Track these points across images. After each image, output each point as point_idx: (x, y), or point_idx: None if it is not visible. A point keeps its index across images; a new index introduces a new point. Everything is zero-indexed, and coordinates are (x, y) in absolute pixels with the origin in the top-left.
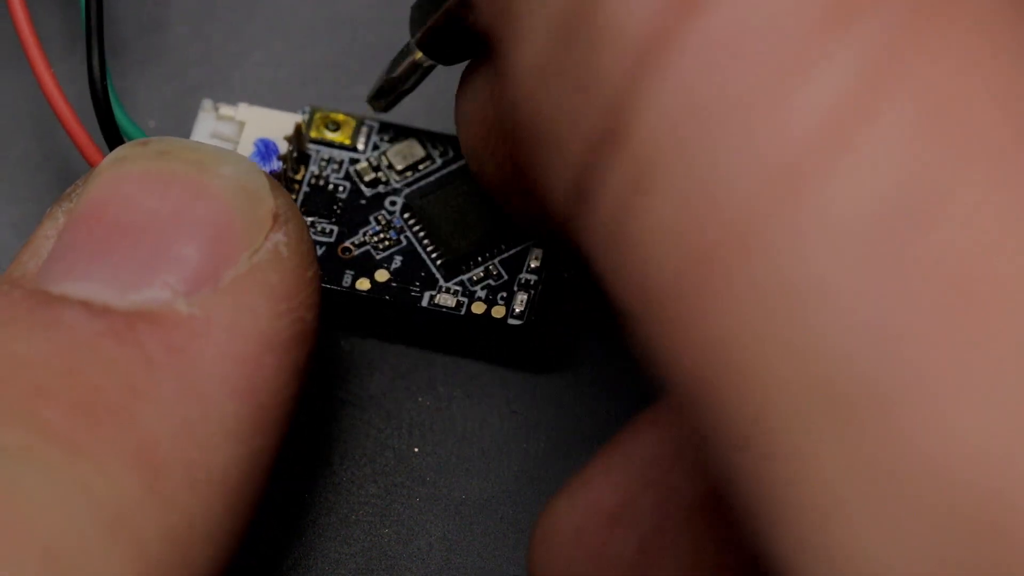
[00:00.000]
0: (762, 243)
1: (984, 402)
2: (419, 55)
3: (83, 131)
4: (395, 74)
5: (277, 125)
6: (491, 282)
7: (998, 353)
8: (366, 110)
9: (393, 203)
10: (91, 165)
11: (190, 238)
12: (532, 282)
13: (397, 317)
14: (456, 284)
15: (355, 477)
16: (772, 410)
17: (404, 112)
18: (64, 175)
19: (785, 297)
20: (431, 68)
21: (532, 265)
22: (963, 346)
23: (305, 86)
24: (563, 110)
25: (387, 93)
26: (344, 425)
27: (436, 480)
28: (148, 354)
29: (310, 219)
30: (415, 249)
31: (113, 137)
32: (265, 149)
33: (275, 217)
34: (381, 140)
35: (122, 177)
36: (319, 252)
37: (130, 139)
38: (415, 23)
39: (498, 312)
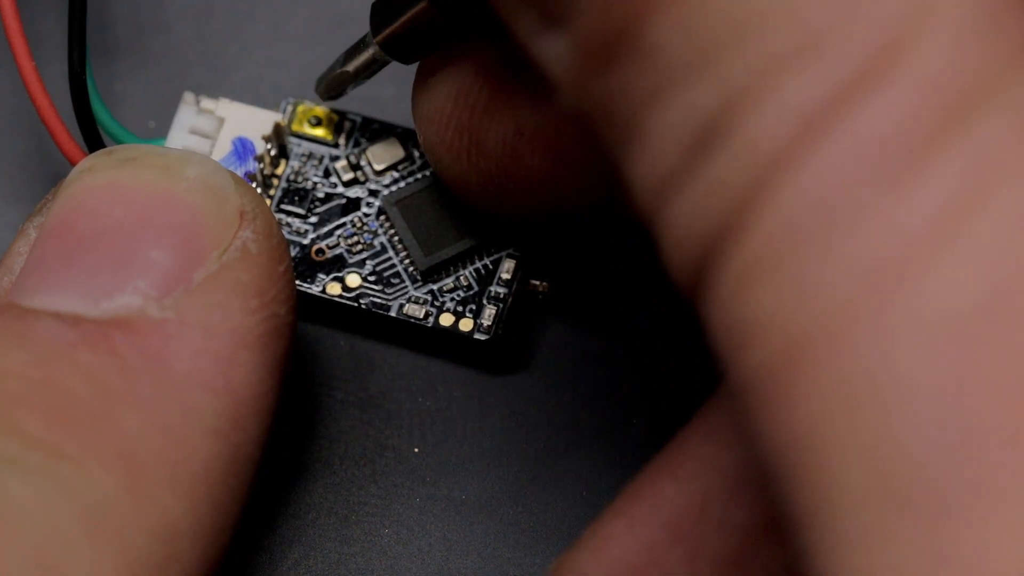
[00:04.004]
0: (850, 339)
1: None
2: (377, 52)
3: (62, 126)
4: (349, 68)
5: (257, 123)
6: (461, 293)
7: None
8: (353, 107)
9: (370, 204)
10: (70, 161)
11: (158, 242)
12: (502, 295)
13: (367, 323)
14: (426, 293)
15: (355, 477)
16: (843, 496)
17: (388, 111)
18: (63, 176)
19: (868, 394)
20: (385, 64)
21: (503, 277)
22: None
23: (304, 86)
24: (686, 210)
25: (338, 85)
26: (344, 425)
27: (436, 480)
28: (123, 359)
29: (286, 218)
30: (388, 254)
31: (90, 130)
32: (242, 148)
33: (242, 215)
34: (362, 138)
35: (88, 188)
36: (293, 252)
37: (109, 133)
38: (376, 21)
39: (465, 325)
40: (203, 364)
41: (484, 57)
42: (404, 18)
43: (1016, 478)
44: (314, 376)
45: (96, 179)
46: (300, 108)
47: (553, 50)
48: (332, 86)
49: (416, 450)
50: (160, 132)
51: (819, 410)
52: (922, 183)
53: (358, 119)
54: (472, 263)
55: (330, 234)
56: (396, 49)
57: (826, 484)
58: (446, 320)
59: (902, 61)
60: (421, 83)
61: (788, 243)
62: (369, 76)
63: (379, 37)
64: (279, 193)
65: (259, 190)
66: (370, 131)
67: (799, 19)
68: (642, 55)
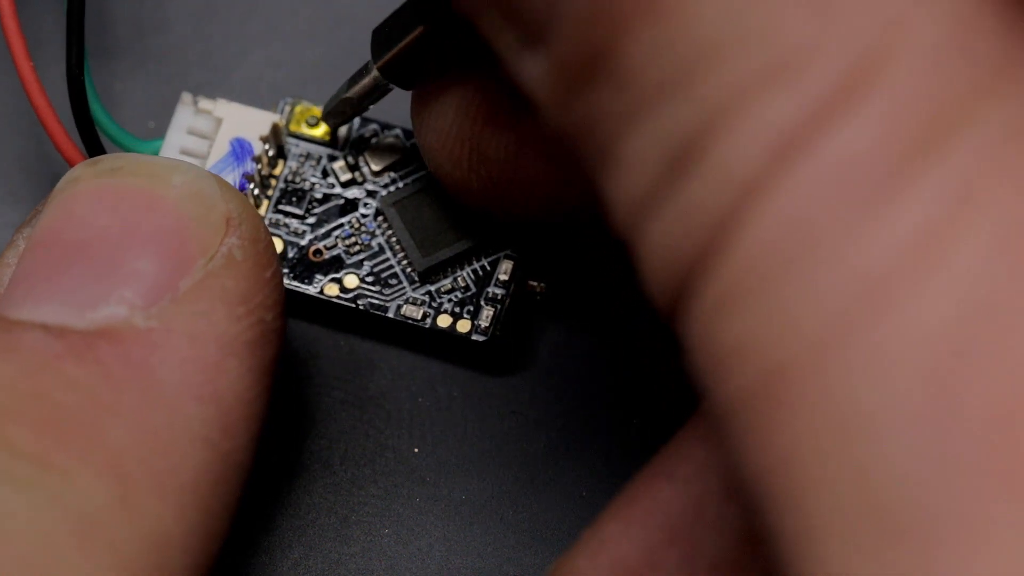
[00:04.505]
0: (827, 369)
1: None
2: (378, 78)
3: (60, 126)
4: (351, 95)
5: (255, 123)
6: (458, 294)
7: None
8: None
9: (367, 205)
10: (68, 162)
11: (144, 251)
12: (499, 296)
13: (365, 324)
14: (424, 294)
15: (355, 477)
16: (825, 521)
17: (385, 111)
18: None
19: (851, 420)
20: (388, 90)
21: (501, 278)
22: (998, 505)
23: (303, 86)
24: (662, 234)
25: (342, 112)
26: (344, 425)
27: (436, 480)
28: (109, 370)
29: (283, 219)
30: (385, 255)
31: (87, 131)
32: (240, 149)
33: (228, 221)
34: (360, 138)
35: (74, 198)
36: (291, 253)
37: (107, 134)
38: (377, 47)
39: (463, 327)
40: (190, 373)
41: (485, 73)
42: (403, 43)
43: (998, 501)
44: (314, 376)
45: (82, 188)
46: (298, 108)
47: (533, 70)
48: (336, 112)
49: (416, 450)
50: (160, 132)
51: (800, 437)
52: (899, 207)
53: (356, 120)
54: (470, 264)
55: (328, 235)
56: (396, 74)
57: (808, 509)
58: (443, 321)
59: (877, 82)
60: (422, 93)
61: (765, 269)
62: (373, 102)
63: (379, 63)
64: (277, 194)
65: (257, 191)
66: (368, 132)
67: (771, 41)
68: (617, 76)
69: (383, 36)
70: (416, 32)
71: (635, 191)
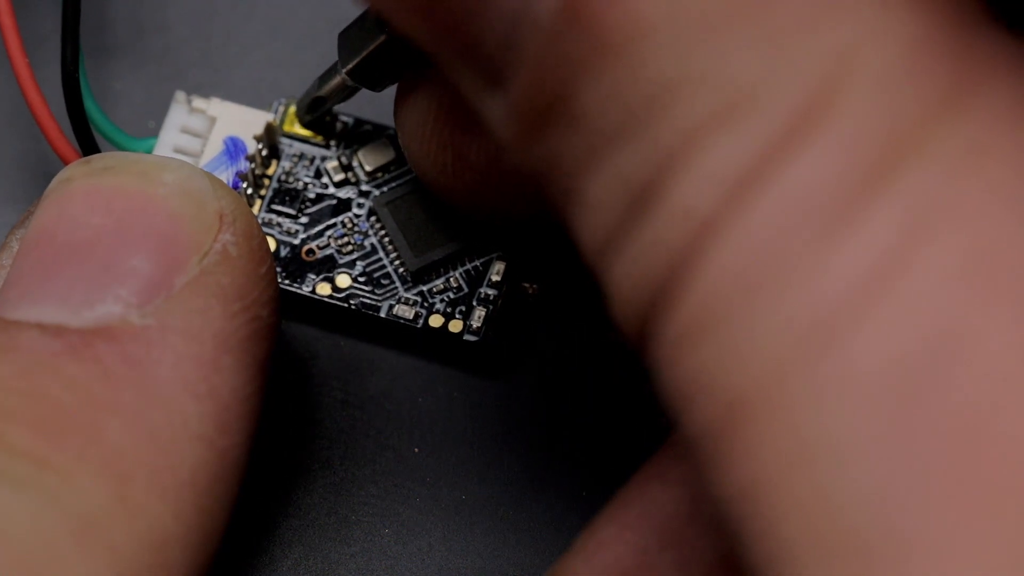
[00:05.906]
0: (783, 400)
1: None
2: (347, 79)
3: (55, 124)
4: (322, 93)
5: (249, 122)
6: (451, 294)
7: (990, 530)
8: (344, 108)
9: (360, 205)
10: (63, 161)
11: (138, 249)
12: (492, 297)
13: (357, 323)
14: (416, 294)
15: (355, 477)
16: (788, 547)
17: (380, 112)
18: None
19: (801, 453)
20: (358, 90)
21: (493, 279)
22: (956, 521)
23: (303, 87)
24: (627, 268)
25: (314, 109)
26: (344, 425)
27: (436, 480)
28: (106, 368)
29: (276, 218)
30: (378, 255)
31: (82, 129)
32: (234, 147)
33: (221, 218)
34: (353, 139)
35: (67, 197)
36: (283, 252)
37: (102, 132)
38: (343, 51)
39: (455, 327)
40: (186, 370)
41: None
42: (367, 50)
43: (965, 519)
44: (314, 376)
45: (75, 187)
46: (292, 108)
47: (494, 110)
48: (308, 110)
49: (416, 450)
50: (158, 132)
51: (760, 467)
52: (848, 241)
53: (350, 120)
54: (462, 265)
55: (320, 235)
56: (363, 78)
57: (779, 535)
58: (435, 321)
59: (827, 116)
60: (402, 99)
61: (723, 303)
62: (343, 100)
63: (346, 67)
64: (270, 193)
65: (250, 190)
66: (361, 132)
67: (721, 81)
68: (574, 120)
69: (349, 40)
70: (379, 40)
71: (598, 229)
